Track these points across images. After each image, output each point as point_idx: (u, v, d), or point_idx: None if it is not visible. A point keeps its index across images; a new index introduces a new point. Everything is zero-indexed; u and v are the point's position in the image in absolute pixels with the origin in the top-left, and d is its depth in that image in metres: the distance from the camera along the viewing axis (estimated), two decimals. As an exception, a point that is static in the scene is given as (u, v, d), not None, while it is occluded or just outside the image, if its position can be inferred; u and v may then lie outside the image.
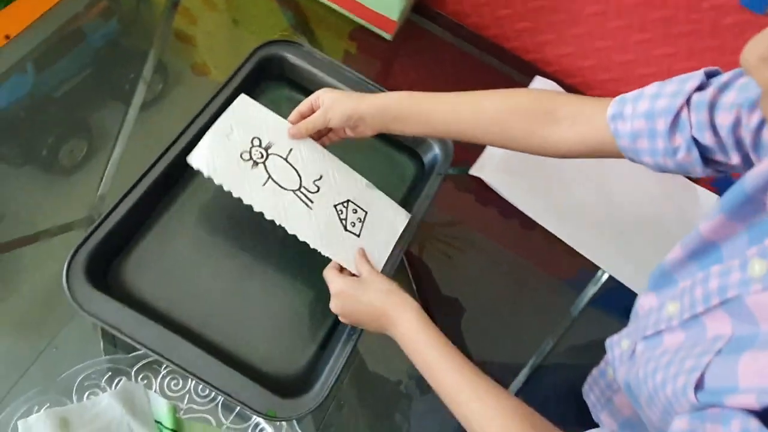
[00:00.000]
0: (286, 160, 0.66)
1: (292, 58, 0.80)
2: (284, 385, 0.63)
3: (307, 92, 0.80)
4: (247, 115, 0.67)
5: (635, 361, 0.51)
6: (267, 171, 0.65)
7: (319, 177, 0.67)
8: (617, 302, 0.85)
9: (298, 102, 0.68)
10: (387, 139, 0.83)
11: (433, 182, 0.77)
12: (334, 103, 0.64)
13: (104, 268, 0.65)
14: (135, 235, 0.68)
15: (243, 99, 0.68)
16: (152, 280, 0.66)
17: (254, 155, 0.65)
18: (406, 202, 0.76)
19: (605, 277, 0.86)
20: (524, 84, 0.98)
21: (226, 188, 0.62)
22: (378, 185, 0.72)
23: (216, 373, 0.59)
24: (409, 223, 0.72)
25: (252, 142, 0.65)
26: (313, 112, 0.67)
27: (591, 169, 0.92)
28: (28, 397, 0.59)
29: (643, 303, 0.55)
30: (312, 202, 0.65)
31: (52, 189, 0.76)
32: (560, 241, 0.87)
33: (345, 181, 0.69)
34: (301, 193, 0.65)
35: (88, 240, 0.62)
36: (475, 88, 0.62)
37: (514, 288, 0.85)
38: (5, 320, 0.66)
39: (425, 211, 0.75)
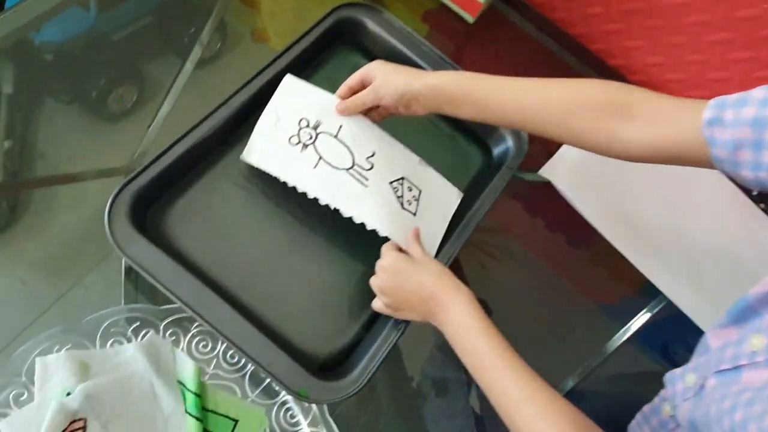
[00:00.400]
0: (336, 137, 0.63)
1: (370, 24, 0.76)
2: (320, 365, 0.59)
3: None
4: (293, 98, 0.65)
5: (704, 398, 0.47)
6: (317, 152, 0.62)
7: (371, 153, 0.64)
8: (656, 337, 0.81)
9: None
10: (454, 124, 0.78)
11: (502, 176, 0.71)
12: (386, 80, 0.60)
13: (147, 211, 0.61)
14: (182, 182, 0.64)
15: (288, 81, 0.66)
16: (194, 233, 0.62)
17: (303, 137, 0.62)
18: (468, 196, 0.71)
19: (647, 316, 0.81)
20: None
21: (280, 178, 0.61)
22: (439, 172, 0.68)
23: (251, 341, 0.55)
24: (469, 219, 0.68)
25: (299, 123, 0.63)
26: (363, 86, 0.63)
27: (669, 188, 0.87)
28: (50, 335, 0.55)
29: (717, 336, 0.50)
30: (367, 179, 0.62)
31: (97, 133, 0.75)
32: (606, 264, 0.83)
33: (398, 158, 0.66)
34: (355, 171, 0.62)
35: (136, 179, 0.59)
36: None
37: (549, 308, 0.81)
38: (33, 257, 0.64)
39: (490, 207, 0.69)
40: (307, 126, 0.63)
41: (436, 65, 0.75)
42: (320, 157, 0.62)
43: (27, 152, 0.69)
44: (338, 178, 0.61)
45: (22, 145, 0.69)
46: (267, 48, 0.88)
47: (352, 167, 0.62)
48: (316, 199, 0.61)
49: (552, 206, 0.86)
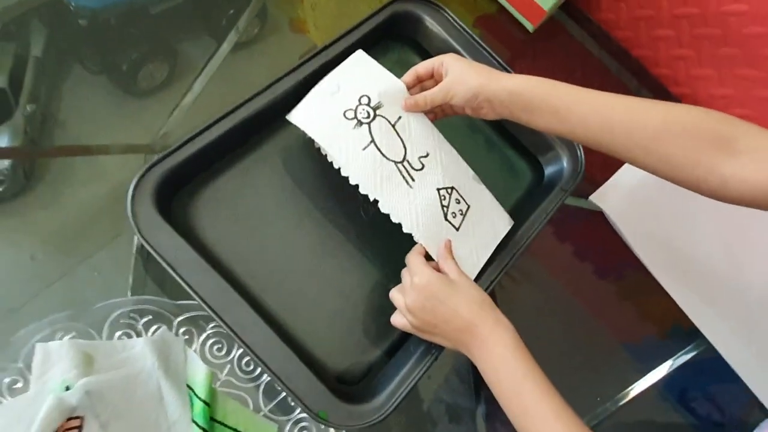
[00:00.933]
0: (393, 126, 0.58)
1: (428, 20, 0.71)
2: (343, 385, 0.54)
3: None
4: (359, 72, 0.60)
5: None
6: (371, 133, 0.56)
7: (425, 154, 0.58)
8: (675, 382, 0.76)
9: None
10: (508, 138, 0.73)
11: (554, 198, 0.66)
12: (459, 78, 0.55)
13: (173, 195, 0.56)
14: (214, 168, 0.59)
15: (359, 55, 0.61)
16: (220, 225, 0.57)
17: (359, 114, 0.57)
18: (514, 217, 0.66)
19: (676, 362, 0.76)
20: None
21: (323, 148, 0.56)
22: (485, 186, 0.63)
23: (271, 350, 0.50)
24: (516, 242, 0.62)
25: (359, 100, 0.58)
26: (431, 77, 0.58)
27: (726, 230, 0.81)
28: (54, 320, 0.50)
29: None
30: (413, 180, 0.57)
31: (122, 107, 0.70)
32: (634, 300, 0.78)
33: (452, 166, 0.61)
34: (404, 167, 0.57)
35: (166, 159, 0.54)
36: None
37: (567, 339, 0.75)
38: (44, 228, 0.59)
39: (538, 230, 0.64)
40: (368, 104, 0.58)
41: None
42: (372, 140, 0.56)
43: (48, 119, 0.65)
44: (385, 169, 0.56)
45: (45, 112, 0.65)
46: (305, 39, 0.83)
47: (401, 162, 0.57)
48: (356, 192, 0.55)
49: (583, 233, 0.81)
